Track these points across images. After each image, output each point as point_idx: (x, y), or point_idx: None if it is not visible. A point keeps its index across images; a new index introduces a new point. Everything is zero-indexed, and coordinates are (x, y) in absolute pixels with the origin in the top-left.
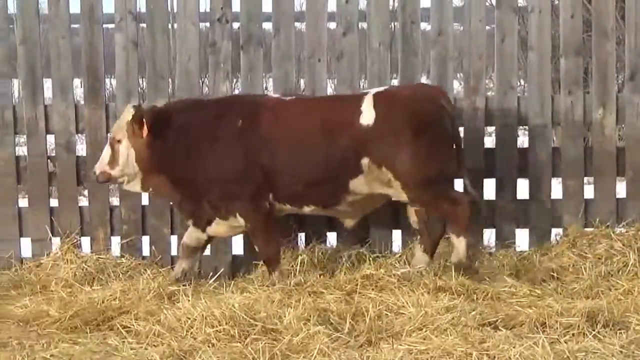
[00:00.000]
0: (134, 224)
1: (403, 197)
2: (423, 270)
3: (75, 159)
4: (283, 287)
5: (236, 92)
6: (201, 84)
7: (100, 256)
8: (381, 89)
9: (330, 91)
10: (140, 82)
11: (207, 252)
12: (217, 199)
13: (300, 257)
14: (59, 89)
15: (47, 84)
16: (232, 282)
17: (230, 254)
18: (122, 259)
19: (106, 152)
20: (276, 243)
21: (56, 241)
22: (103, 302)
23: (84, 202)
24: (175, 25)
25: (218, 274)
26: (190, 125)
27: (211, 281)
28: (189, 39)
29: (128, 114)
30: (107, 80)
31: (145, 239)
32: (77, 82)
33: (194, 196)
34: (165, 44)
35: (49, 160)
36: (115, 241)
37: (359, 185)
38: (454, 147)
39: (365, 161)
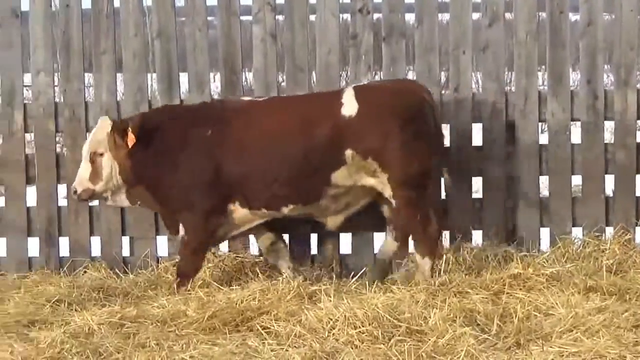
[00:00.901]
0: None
1: (387, 191)
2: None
3: None
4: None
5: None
6: (341, 77)
7: (239, 255)
8: (360, 83)
9: (473, 84)
10: (278, 75)
11: (349, 250)
12: (175, 209)
13: (445, 256)
14: (195, 83)
15: (183, 77)
16: (375, 281)
17: (372, 253)
18: (261, 257)
19: (84, 168)
20: (200, 264)
21: None
22: (242, 302)
23: None
24: (315, 17)
25: (360, 273)
26: (163, 133)
27: (353, 280)
28: (329, 30)
29: (105, 126)
30: (244, 74)
31: (285, 238)
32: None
33: (169, 206)
34: (305, 36)
35: None
36: (254, 240)
37: (341, 177)
38: (436, 143)
39: (348, 152)
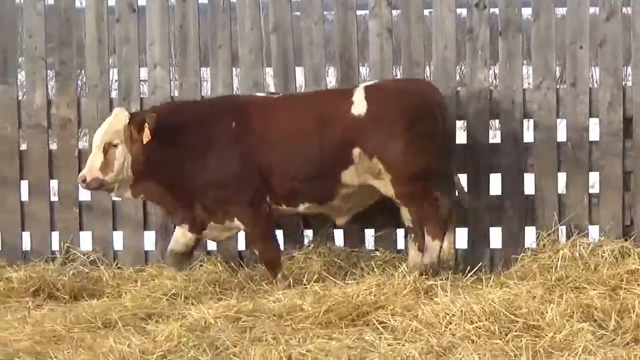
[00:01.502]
0: (388, 216)
1: (390, 191)
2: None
3: None
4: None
5: (492, 80)
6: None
7: (354, 250)
8: (372, 82)
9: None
10: (395, 70)
11: (464, 245)
12: (213, 203)
13: (561, 252)
14: (311, 77)
15: (299, 72)
16: (491, 276)
17: (488, 248)
18: (376, 252)
19: (96, 157)
20: (276, 246)
21: (309, 234)
22: (358, 296)
23: None
24: (431, 11)
25: (476, 268)
26: (182, 128)
27: (469, 275)
28: (445, 25)
29: (122, 117)
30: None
31: (400, 232)
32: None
33: (188, 201)
34: (421, 31)
35: None
36: (369, 234)
37: (350, 176)
38: (445, 144)
39: (356, 151)
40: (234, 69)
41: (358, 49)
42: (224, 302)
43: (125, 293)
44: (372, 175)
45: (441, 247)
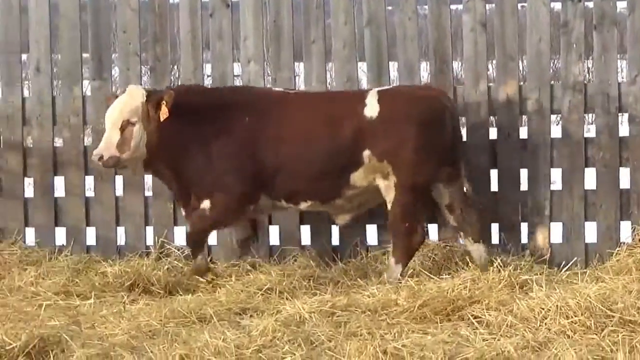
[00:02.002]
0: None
1: (390, 193)
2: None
3: None
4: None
5: (586, 74)
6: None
7: (448, 244)
8: (385, 87)
9: None
10: (489, 64)
11: (559, 240)
12: (204, 190)
13: None
14: (405, 72)
15: (392, 66)
16: (586, 271)
17: (583, 242)
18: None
19: (113, 134)
20: (205, 239)
21: None
22: (453, 291)
23: None
24: (525, 5)
25: (571, 262)
26: (195, 113)
27: (564, 270)
28: (540, 19)
29: (137, 95)
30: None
31: (494, 227)
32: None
33: (187, 187)
34: (515, 25)
35: None
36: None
37: (359, 178)
38: (453, 151)
39: (366, 153)
40: (327, 63)
41: (452, 43)
42: (318, 296)
43: (220, 288)
44: (381, 175)
45: (402, 273)
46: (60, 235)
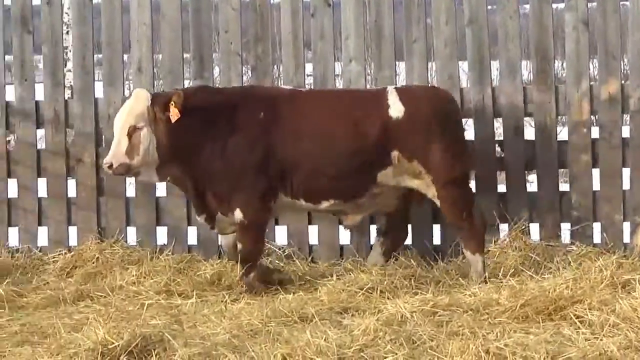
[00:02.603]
0: (584, 210)
1: (431, 190)
2: None
3: (523, 142)
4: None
5: None
6: None
7: (549, 244)
8: (397, 85)
9: None
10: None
11: None
12: (225, 192)
13: None
14: (506, 71)
15: (494, 65)
16: None
17: None
18: (573, 246)
19: (121, 141)
20: (262, 247)
21: (504, 228)
22: (554, 290)
23: (532, 187)
24: (627, 3)
25: None
26: (208, 113)
27: None
28: None
29: (143, 99)
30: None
31: (597, 226)
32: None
33: (204, 190)
34: (617, 23)
35: (496, 145)
36: (565, 228)
37: (386, 177)
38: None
39: (395, 154)
40: (428, 62)
41: (553, 42)
42: (420, 296)
43: (321, 287)
44: (411, 175)
45: (484, 261)
46: (162, 234)
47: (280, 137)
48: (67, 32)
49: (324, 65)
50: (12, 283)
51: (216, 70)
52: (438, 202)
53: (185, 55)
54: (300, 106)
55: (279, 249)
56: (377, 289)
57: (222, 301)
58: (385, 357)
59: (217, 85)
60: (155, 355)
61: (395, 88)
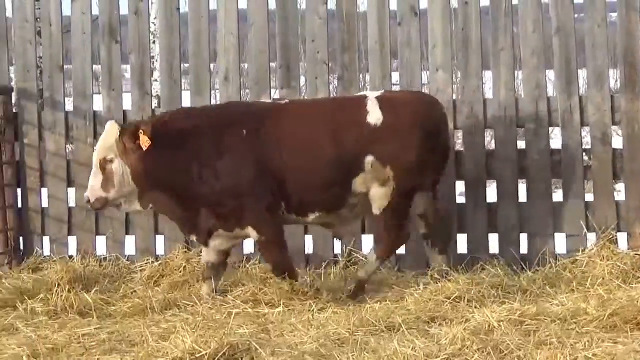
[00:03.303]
0: None
1: (384, 200)
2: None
3: (611, 151)
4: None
5: None
6: None
7: (638, 253)
8: (378, 92)
9: None
10: None
11: None
12: (228, 210)
13: None
14: (594, 80)
15: (582, 74)
16: None
17: None
18: None
19: (95, 176)
20: (288, 257)
21: (591, 237)
22: None
23: (620, 196)
24: None
25: None
26: (190, 135)
27: None
28: None
29: (113, 131)
30: None
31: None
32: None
33: (196, 209)
34: None
35: (584, 154)
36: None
37: (359, 184)
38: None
39: (369, 159)
40: (515, 71)
41: None
42: (507, 305)
43: (408, 297)
44: (378, 182)
45: (379, 268)
46: (249, 244)
47: (266, 151)
48: (154, 42)
49: (411, 74)
50: (100, 291)
51: (302, 80)
52: (379, 211)
53: (272, 65)
54: (282, 119)
55: (366, 259)
56: (464, 298)
57: (309, 310)
58: None
59: (304, 95)
60: None
61: (377, 95)
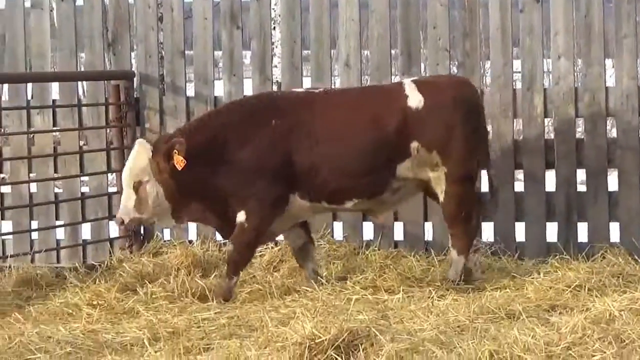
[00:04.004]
0: None
1: (441, 185)
2: None
3: None
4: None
5: None
6: None
7: None
8: (416, 77)
9: None
10: None
11: None
12: (240, 199)
13: None
14: None
15: None
16: None
17: None
18: None
19: (128, 197)
20: (253, 254)
21: None
22: None
23: None
24: None
25: None
26: (218, 138)
27: None
28: None
29: (144, 152)
30: None
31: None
32: None
33: (227, 209)
34: None
35: None
36: None
37: (405, 170)
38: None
39: (414, 145)
40: (638, 59)
41: None
42: (628, 294)
43: (528, 284)
44: (429, 167)
45: (465, 264)
46: (368, 230)
47: (295, 141)
48: (274, 28)
49: (532, 61)
50: (220, 276)
51: (422, 67)
52: (441, 197)
53: (392, 51)
54: (317, 108)
55: (486, 246)
56: (584, 286)
57: (428, 297)
58: (594, 356)
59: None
60: (362, 350)
61: (414, 79)
